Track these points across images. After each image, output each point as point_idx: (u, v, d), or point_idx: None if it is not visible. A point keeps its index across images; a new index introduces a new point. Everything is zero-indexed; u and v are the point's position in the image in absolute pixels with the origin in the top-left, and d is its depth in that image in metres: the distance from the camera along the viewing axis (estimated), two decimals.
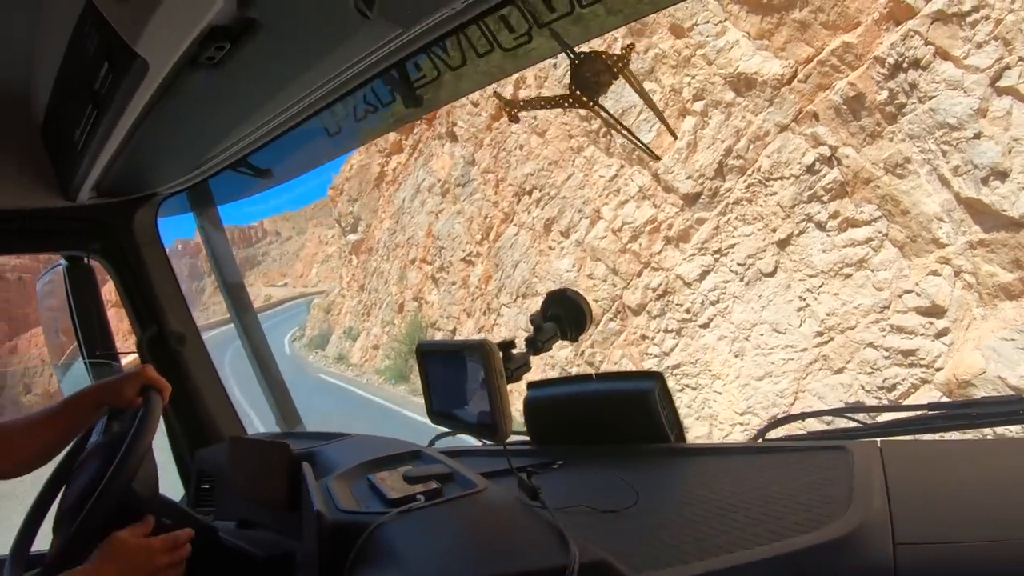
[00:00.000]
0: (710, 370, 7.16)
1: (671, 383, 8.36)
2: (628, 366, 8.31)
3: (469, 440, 1.14)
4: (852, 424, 1.09)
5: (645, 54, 7.88)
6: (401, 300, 17.28)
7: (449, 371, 0.88)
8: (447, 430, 1.09)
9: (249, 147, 1.34)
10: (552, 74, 10.21)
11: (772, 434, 1.12)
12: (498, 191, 12.34)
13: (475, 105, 12.65)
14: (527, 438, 1.21)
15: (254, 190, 1.73)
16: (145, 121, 1.02)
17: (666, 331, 7.79)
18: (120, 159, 1.22)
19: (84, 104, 1.03)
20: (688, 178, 7.46)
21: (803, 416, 1.25)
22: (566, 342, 0.96)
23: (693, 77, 7.38)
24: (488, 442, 1.06)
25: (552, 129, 10.44)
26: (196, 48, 0.79)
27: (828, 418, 1.26)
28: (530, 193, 11.23)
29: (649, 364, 7.90)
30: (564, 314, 0.94)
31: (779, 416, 1.16)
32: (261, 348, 2.03)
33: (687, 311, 7.54)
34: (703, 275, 7.38)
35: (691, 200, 7.51)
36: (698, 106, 7.38)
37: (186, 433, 1.73)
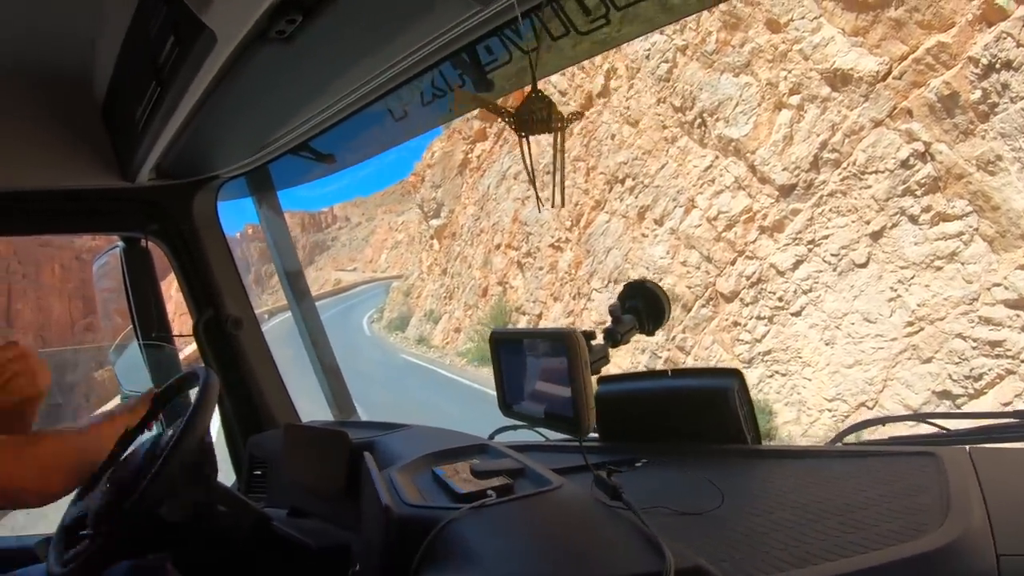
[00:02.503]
0: (800, 357, 7.95)
1: (761, 369, 9.55)
2: (719, 352, 9.32)
3: (531, 435, 1.20)
4: (935, 430, 1.10)
5: (741, 48, 8.80)
6: (485, 284, 18.78)
7: (526, 361, 0.89)
8: (509, 423, 1.14)
9: (312, 130, 1.38)
10: (644, 65, 11.25)
11: (850, 438, 1.14)
12: (588, 179, 13.49)
13: (563, 94, 13.77)
14: (595, 434, 1.22)
15: (315, 175, 1.79)
16: (210, 98, 1.04)
17: (758, 318, 8.72)
18: (181, 139, 1.26)
19: (147, 81, 1.07)
20: (784, 170, 8.32)
21: (883, 420, 1.27)
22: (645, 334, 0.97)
23: (789, 72, 8.22)
24: (558, 437, 1.09)
25: (645, 119, 11.48)
26: (266, 21, 0.80)
27: (909, 423, 1.27)
28: (623, 181, 12.28)
29: (740, 350, 8.90)
30: (643, 306, 0.96)
31: (859, 420, 1.19)
32: (317, 334, 2.10)
33: (780, 299, 8.41)
34: (796, 264, 8.19)
35: (786, 191, 8.37)
36: (794, 100, 8.22)
37: (239, 418, 1.81)
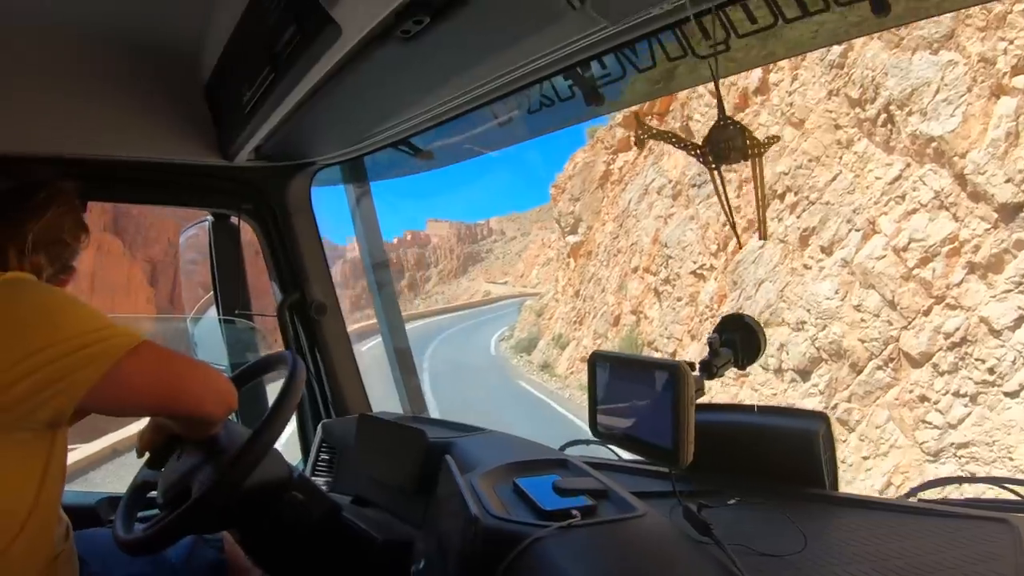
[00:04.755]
0: (1011, 458, 5.82)
1: (951, 466, 7.01)
2: (895, 435, 7.16)
3: (601, 451, 1.25)
4: (1011, 496, 1.13)
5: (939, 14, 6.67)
6: (617, 312, 17.54)
7: (625, 385, 0.92)
8: (582, 438, 1.26)
9: (417, 127, 1.47)
10: (825, 54, 9.28)
11: (925, 494, 1.17)
12: (741, 193, 11.63)
13: (713, 96, 12.12)
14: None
15: (411, 170, 1.89)
16: (323, 88, 1.12)
17: (957, 394, 6.55)
18: (287, 125, 1.34)
19: (260, 65, 1.13)
20: (1007, 181, 6.13)
21: (960, 480, 1.32)
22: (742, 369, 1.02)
23: (1011, 42, 6.01)
24: (632, 458, 1.12)
25: (813, 118, 9.51)
26: (393, 19, 0.87)
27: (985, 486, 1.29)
28: (782, 196, 10.46)
29: (926, 437, 6.74)
30: (739, 340, 0.98)
31: (935, 477, 1.22)
32: (397, 329, 2.23)
33: (990, 370, 6.26)
34: (1019, 322, 6.00)
35: (1009, 213, 6.20)
36: (1019, 82, 5.98)
37: (312, 403, 1.92)
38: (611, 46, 1.05)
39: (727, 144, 0.84)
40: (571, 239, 22.97)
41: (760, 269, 11.02)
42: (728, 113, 0.88)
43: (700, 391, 0.89)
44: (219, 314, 1.91)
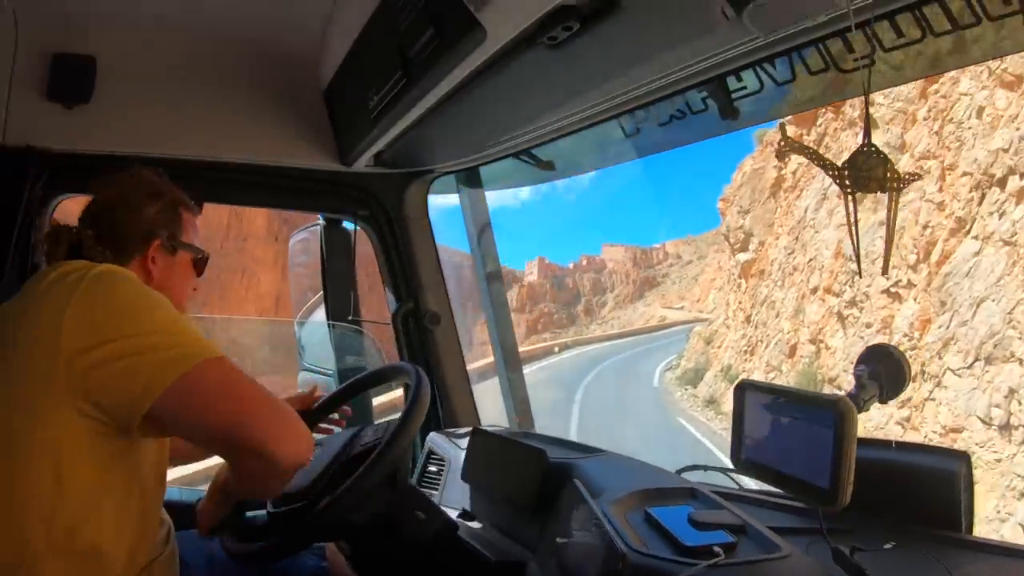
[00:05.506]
0: None
1: None
2: None
3: (719, 477, 1.22)
4: None
5: None
6: (794, 341, 15.08)
7: (776, 418, 0.91)
8: (701, 463, 1.25)
9: (542, 137, 1.46)
10: None
11: None
12: (944, 185, 9.01)
13: (896, 70, 9.75)
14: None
15: (530, 180, 1.88)
16: (459, 94, 1.11)
17: None
18: (412, 132, 1.34)
19: (390, 71, 1.14)
20: None
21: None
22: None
23: None
24: (760, 487, 1.13)
25: None
26: (539, 25, 0.86)
27: None
28: (1002, 183, 7.78)
29: None
30: (884, 372, 0.96)
31: None
32: (509, 343, 2.16)
33: None
34: None
35: None
36: None
37: None
38: (755, 59, 1.05)
39: (867, 172, 0.80)
40: (741, 257, 20.41)
41: (977, 284, 8.40)
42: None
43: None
44: (328, 318, 1.91)
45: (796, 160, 18.00)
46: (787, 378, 14.74)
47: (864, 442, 1.07)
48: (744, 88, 1.13)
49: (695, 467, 1.27)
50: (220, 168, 1.59)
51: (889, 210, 0.81)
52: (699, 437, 15.28)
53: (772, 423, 0.91)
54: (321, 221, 1.93)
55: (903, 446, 1.15)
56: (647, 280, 77.83)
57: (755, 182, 19.62)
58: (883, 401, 0.95)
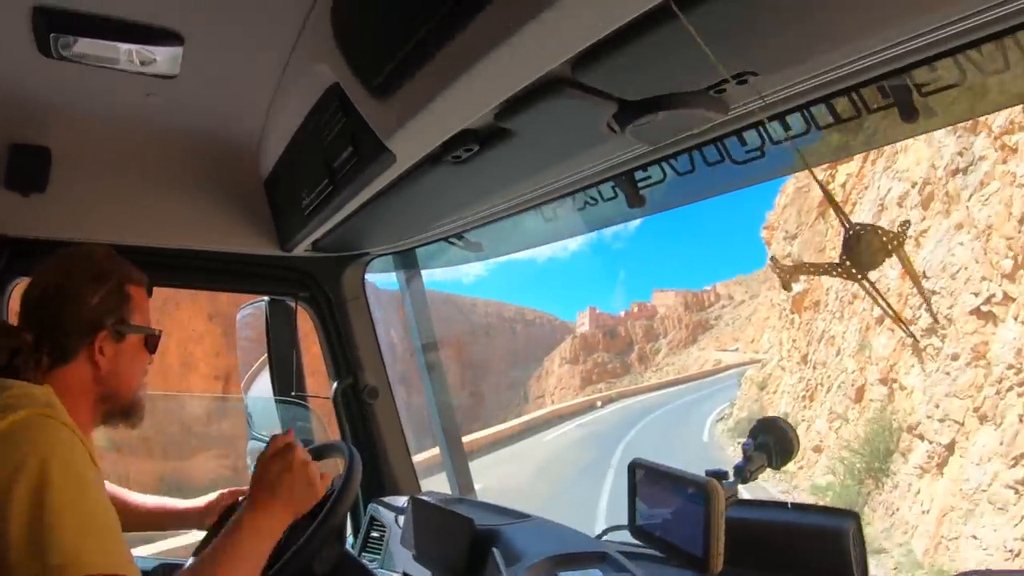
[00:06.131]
0: None
1: None
2: None
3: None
4: None
5: None
6: (860, 381, 12.61)
7: (661, 493, 1.05)
8: (617, 525, 1.29)
9: (467, 226, 1.63)
10: None
11: None
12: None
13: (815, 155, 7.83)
14: None
15: (462, 260, 2.03)
16: (377, 200, 1.24)
17: None
18: (342, 226, 1.46)
19: (319, 176, 1.24)
20: None
21: (989, 574, 1.44)
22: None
23: None
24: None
25: None
26: (443, 148, 1.00)
27: None
28: None
29: None
30: (773, 443, 1.06)
31: (970, 570, 1.20)
32: (446, 409, 2.31)
33: None
34: None
35: None
36: None
37: (365, 482, 1.88)
38: (655, 157, 1.16)
39: (867, 249, 0.80)
40: (793, 288, 17.97)
41: None
42: (904, 220, 0.88)
43: (733, 497, 1.00)
44: (274, 392, 1.96)
45: (844, 171, 15.75)
46: (855, 426, 12.17)
47: (762, 504, 1.25)
48: (649, 178, 1.25)
49: (618, 527, 1.32)
50: (168, 254, 1.65)
51: (904, 266, 0.82)
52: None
53: (658, 498, 1.04)
54: (266, 297, 1.97)
55: (799, 507, 1.22)
56: (700, 323, 77.27)
57: (800, 202, 17.35)
58: (776, 468, 1.06)
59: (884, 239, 0.79)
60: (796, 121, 1.01)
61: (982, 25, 0.77)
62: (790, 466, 14.94)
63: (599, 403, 32.76)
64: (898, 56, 0.84)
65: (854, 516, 1.16)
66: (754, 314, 65.48)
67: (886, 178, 13.04)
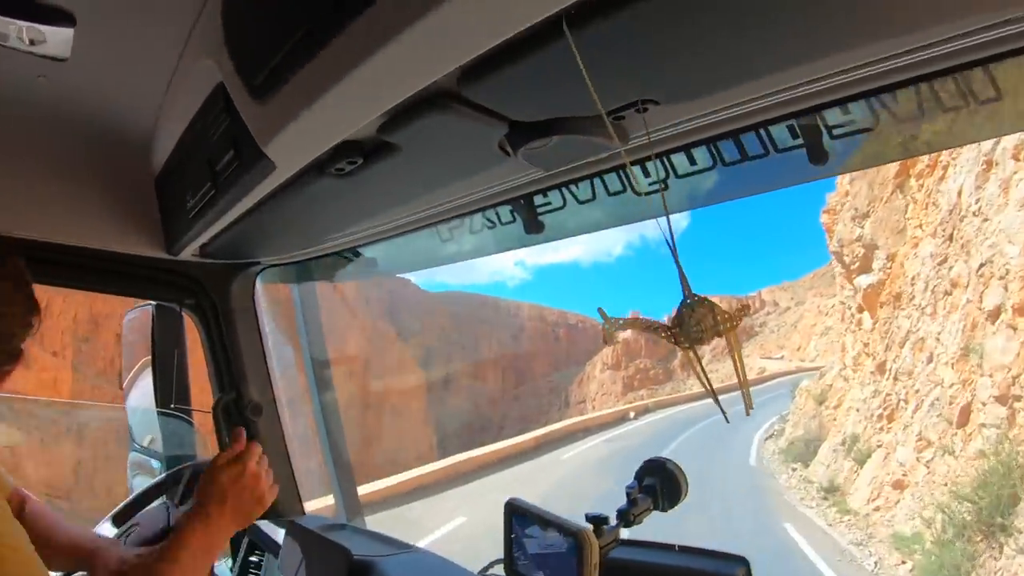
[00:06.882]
0: None
1: None
2: None
3: None
4: None
5: None
6: (965, 398, 9.40)
7: (537, 538, 1.01)
8: (502, 559, 1.19)
9: (360, 240, 1.57)
10: None
11: None
12: None
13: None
14: None
15: (360, 276, 1.92)
16: (261, 207, 1.19)
17: None
18: (230, 231, 1.38)
19: (202, 179, 1.19)
20: None
21: None
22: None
23: None
24: None
25: None
26: (326, 158, 0.95)
27: None
28: None
29: None
30: (659, 484, 1.08)
31: None
32: (335, 429, 2.24)
33: None
34: None
35: None
36: None
37: None
38: (553, 184, 1.12)
39: (698, 325, 0.81)
40: (862, 281, 14.60)
41: None
42: (741, 306, 0.91)
43: (615, 542, 1.03)
44: (156, 403, 1.90)
45: (928, 129, 12.47)
46: (957, 459, 8.97)
47: (650, 545, 1.21)
48: (549, 204, 1.20)
49: (496, 562, 1.29)
50: (48, 248, 1.53)
51: (731, 349, 0.82)
52: (815, 563, 9.44)
53: (534, 543, 1.01)
54: (154, 302, 1.92)
55: (686, 550, 1.20)
56: (744, 330, 73.69)
57: (872, 174, 14.03)
58: (663, 511, 1.08)
59: (717, 319, 0.80)
60: (703, 155, 1.00)
61: (898, 69, 0.76)
62: (858, 501, 10.81)
63: (632, 414, 29.32)
64: (808, 95, 0.81)
65: (743, 561, 1.15)
66: (800, 321, 63.69)
67: (990, 123, 9.85)
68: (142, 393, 1.95)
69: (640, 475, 1.09)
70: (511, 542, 1.04)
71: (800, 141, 0.91)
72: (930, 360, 10.67)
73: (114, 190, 1.53)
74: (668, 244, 0.78)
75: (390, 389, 42.59)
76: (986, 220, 9.55)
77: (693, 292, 0.80)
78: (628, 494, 1.06)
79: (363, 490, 10.49)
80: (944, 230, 10.93)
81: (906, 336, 11.74)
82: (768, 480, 14.97)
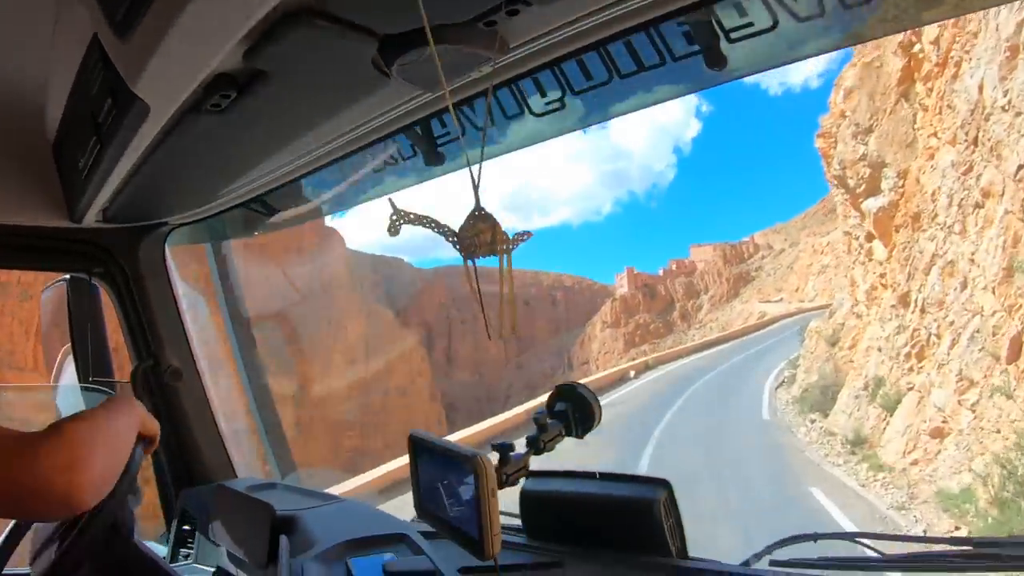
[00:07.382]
0: None
1: None
2: None
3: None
4: (869, 553, 1.11)
5: None
6: (1013, 327, 8.03)
7: (440, 471, 0.93)
8: None
9: (262, 188, 1.50)
10: None
11: (780, 553, 1.14)
12: None
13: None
14: (519, 523, 1.28)
15: (274, 227, 1.85)
16: (149, 158, 1.14)
17: None
18: (125, 189, 1.34)
19: (88, 135, 1.14)
20: None
21: (815, 537, 1.22)
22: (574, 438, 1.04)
23: None
24: None
25: None
26: (200, 94, 0.90)
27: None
28: None
29: None
30: (571, 409, 1.02)
31: (788, 536, 1.17)
32: (262, 387, 2.25)
33: None
34: None
35: None
36: None
37: (174, 471, 1.87)
38: (438, 108, 1.09)
39: (475, 237, 0.82)
40: (871, 204, 13.02)
41: None
42: (521, 231, 0.88)
43: (524, 469, 0.95)
44: (79, 378, 1.84)
45: (931, 31, 10.81)
46: (1016, 405, 7.54)
47: (570, 475, 1.20)
48: (447, 133, 1.19)
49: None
50: None
51: (501, 271, 0.84)
52: (846, 527, 8.01)
53: (437, 475, 0.93)
54: (67, 276, 1.85)
55: (607, 477, 1.19)
56: (740, 276, 74.65)
57: (872, 83, 12.33)
58: (577, 437, 1.01)
59: (496, 237, 0.80)
60: (598, 70, 0.94)
61: None
62: (893, 454, 8.95)
63: (632, 373, 27.55)
64: None
65: (665, 484, 1.14)
66: (795, 262, 62.53)
67: (1007, 13, 8.32)
68: (69, 374, 1.86)
69: (551, 401, 1.03)
70: (417, 478, 0.96)
71: (696, 47, 0.88)
72: (964, 286, 9.20)
73: (10, 159, 1.45)
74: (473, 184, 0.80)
75: (393, 370, 42.94)
76: (1019, 114, 7.98)
77: (482, 207, 0.81)
78: (536, 420, 0.99)
79: (374, 474, 9.63)
80: (967, 134, 9.35)
81: (931, 261, 10.24)
82: (785, 435, 13.59)
